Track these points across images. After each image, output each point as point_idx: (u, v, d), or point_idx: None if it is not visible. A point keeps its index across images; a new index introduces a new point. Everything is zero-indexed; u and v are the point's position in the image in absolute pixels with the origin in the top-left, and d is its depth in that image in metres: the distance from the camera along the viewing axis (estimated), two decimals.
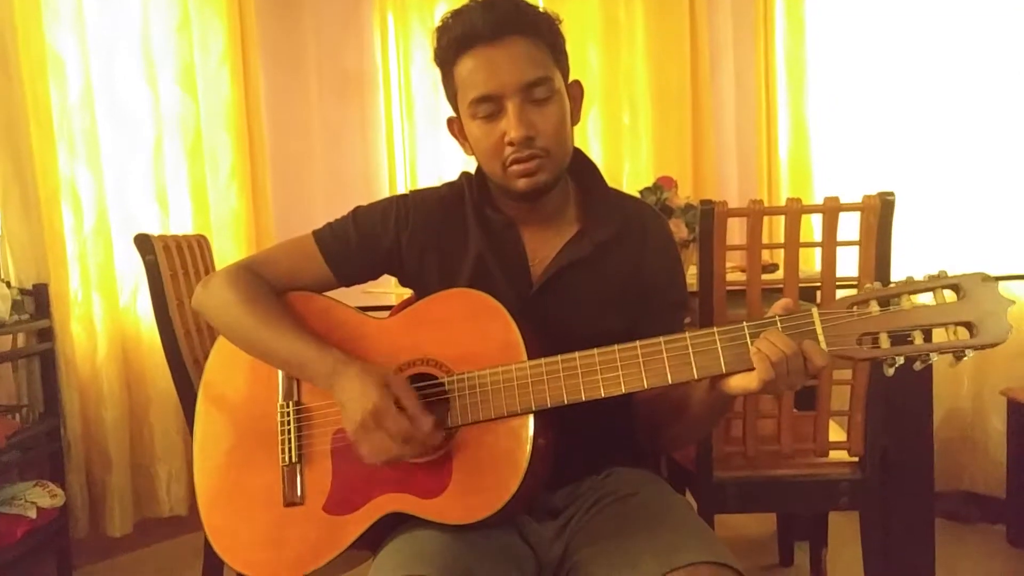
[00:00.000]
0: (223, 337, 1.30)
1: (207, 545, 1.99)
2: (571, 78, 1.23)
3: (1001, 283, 0.97)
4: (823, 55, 2.98)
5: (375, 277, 1.34)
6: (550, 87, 1.15)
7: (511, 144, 1.14)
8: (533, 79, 1.13)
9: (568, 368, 1.07)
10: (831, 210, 1.55)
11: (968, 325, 0.96)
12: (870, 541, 1.74)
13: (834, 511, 2.18)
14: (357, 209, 1.33)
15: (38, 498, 2.21)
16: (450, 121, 1.27)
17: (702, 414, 1.15)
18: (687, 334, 1.03)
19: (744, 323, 1.01)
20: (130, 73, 2.77)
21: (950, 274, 0.98)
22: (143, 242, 1.94)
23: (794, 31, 3.00)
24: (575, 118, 1.24)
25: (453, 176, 1.34)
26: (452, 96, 1.23)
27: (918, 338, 0.97)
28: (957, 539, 2.56)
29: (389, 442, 1.06)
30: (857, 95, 2.90)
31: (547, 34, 1.17)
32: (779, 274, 1.62)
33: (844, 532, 2.21)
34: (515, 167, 1.15)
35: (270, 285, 1.28)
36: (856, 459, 1.70)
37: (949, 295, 0.97)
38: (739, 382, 1.02)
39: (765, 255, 1.79)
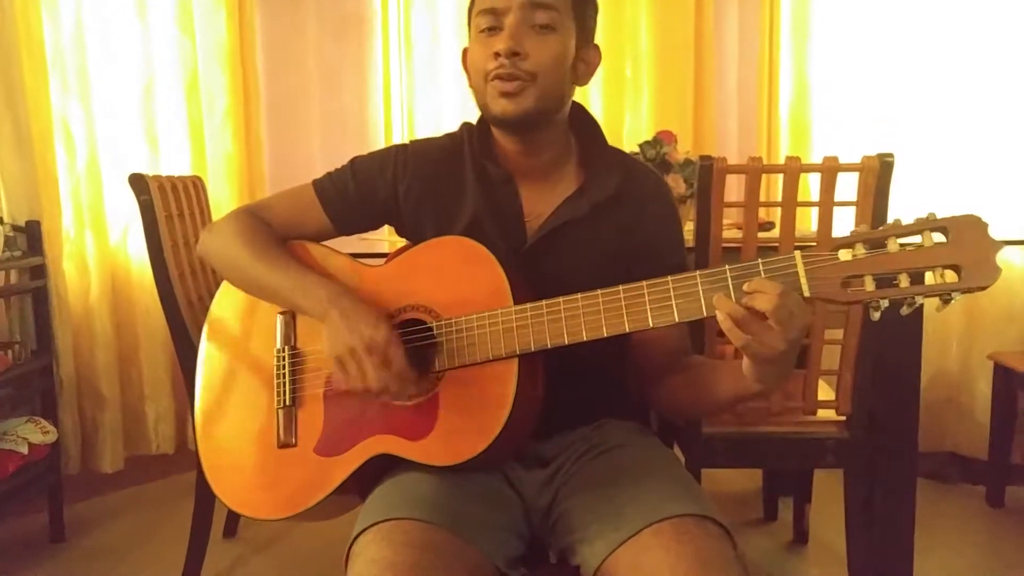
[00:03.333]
0: (226, 283, 1.32)
1: (199, 484, 2.03)
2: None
3: (1002, 249, 0.93)
4: (828, 14, 2.94)
5: (375, 227, 1.33)
6: (554, 18, 1.14)
7: (497, 55, 1.13)
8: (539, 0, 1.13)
9: (552, 312, 1.07)
10: (829, 170, 1.54)
11: (956, 268, 0.92)
12: (853, 498, 1.77)
13: (819, 469, 2.22)
14: (356, 159, 1.32)
15: (30, 434, 2.21)
16: (464, 52, 1.26)
17: (730, 396, 1.13)
18: (669, 278, 1.02)
19: (727, 266, 1.00)
20: (124, 11, 2.72)
21: (939, 216, 0.94)
22: (138, 182, 1.93)
23: None
24: (582, 80, 1.23)
25: (450, 122, 1.33)
26: (469, 21, 1.21)
27: (904, 281, 0.93)
28: (938, 499, 2.61)
29: (374, 372, 1.06)
30: (861, 56, 2.87)
31: None
32: (775, 232, 1.62)
33: (828, 489, 2.24)
34: (496, 83, 1.14)
35: (271, 228, 1.29)
36: (843, 418, 1.71)
37: (938, 237, 0.94)
38: (746, 361, 1.01)
39: (762, 213, 1.78)
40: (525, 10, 1.13)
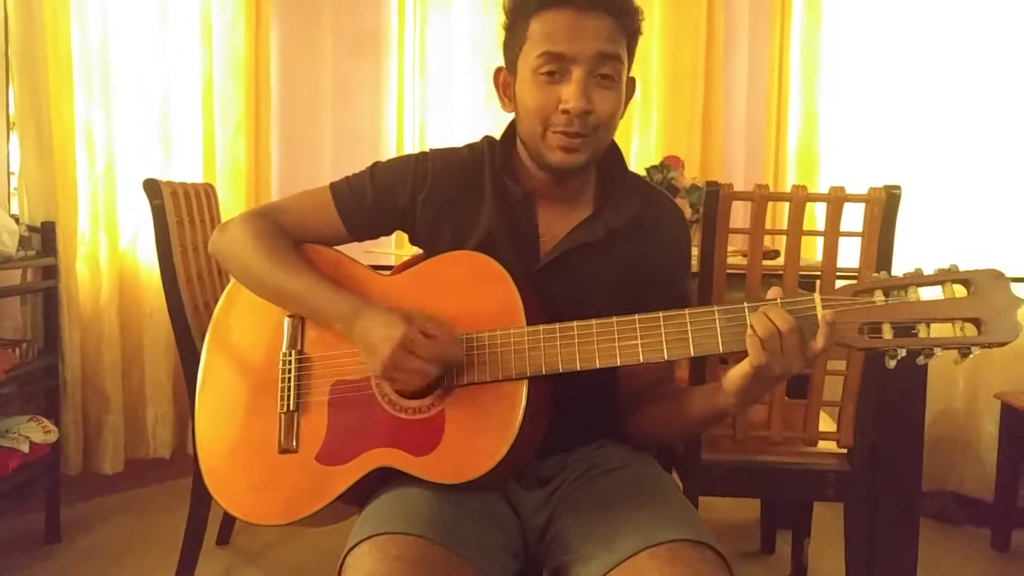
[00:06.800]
0: (235, 282, 1.31)
1: (194, 490, 2.03)
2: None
3: (1023, 305, 0.93)
4: (838, 45, 2.96)
5: (388, 233, 1.34)
6: (618, 69, 1.14)
7: (566, 113, 1.12)
8: (609, 51, 1.12)
9: (566, 337, 1.07)
10: (836, 200, 1.54)
11: (976, 322, 0.92)
12: (853, 534, 1.75)
13: (819, 501, 2.19)
14: (376, 165, 1.32)
15: (32, 433, 2.21)
16: (497, 71, 1.25)
17: (697, 416, 1.15)
18: (687, 311, 1.02)
19: (745, 303, 1.00)
20: (149, 20, 2.78)
21: (961, 268, 0.94)
22: (151, 187, 1.95)
23: (811, 19, 2.99)
24: (620, 113, 1.22)
25: (462, 140, 1.33)
26: (514, 47, 1.19)
27: (923, 331, 0.93)
28: (942, 539, 2.56)
29: (424, 365, 1.08)
30: (870, 87, 2.88)
31: (631, 24, 1.17)
32: (780, 260, 1.62)
33: (828, 523, 2.22)
34: (558, 137, 1.14)
35: (285, 232, 1.29)
36: (844, 451, 1.70)
37: (959, 290, 0.94)
38: (736, 372, 1.02)
39: (767, 241, 1.78)
40: (595, 62, 1.12)
